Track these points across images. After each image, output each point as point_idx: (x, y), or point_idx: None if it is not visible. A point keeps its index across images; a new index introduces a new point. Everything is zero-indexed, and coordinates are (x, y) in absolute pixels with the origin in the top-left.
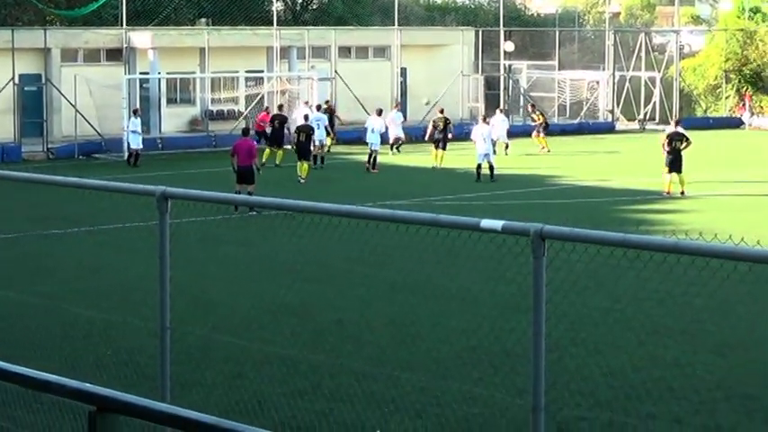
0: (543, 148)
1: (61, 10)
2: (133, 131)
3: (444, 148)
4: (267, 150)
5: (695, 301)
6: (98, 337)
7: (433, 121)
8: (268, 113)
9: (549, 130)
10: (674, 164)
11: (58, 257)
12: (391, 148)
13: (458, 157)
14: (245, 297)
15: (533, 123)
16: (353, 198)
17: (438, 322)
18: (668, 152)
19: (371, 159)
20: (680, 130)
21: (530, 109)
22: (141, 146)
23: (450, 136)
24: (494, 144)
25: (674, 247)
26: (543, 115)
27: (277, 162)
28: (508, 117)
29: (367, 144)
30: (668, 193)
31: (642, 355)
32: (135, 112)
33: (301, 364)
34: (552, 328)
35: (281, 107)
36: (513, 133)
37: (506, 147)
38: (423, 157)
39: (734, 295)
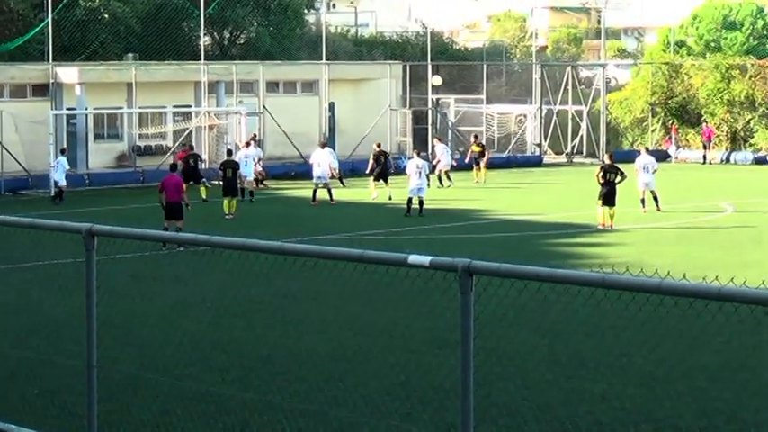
0: (477, 181)
1: None
2: (59, 168)
3: (386, 181)
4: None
5: (622, 335)
6: (24, 375)
7: (374, 155)
8: (185, 152)
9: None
10: (608, 197)
11: None
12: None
13: (385, 192)
14: (173, 333)
15: (474, 156)
16: (283, 233)
17: (366, 358)
18: (602, 185)
19: (329, 192)
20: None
21: (472, 140)
22: (65, 183)
23: (390, 168)
24: (428, 178)
25: (600, 282)
26: (484, 147)
27: (204, 197)
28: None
29: (312, 179)
30: (603, 225)
31: (570, 389)
32: (62, 151)
33: (230, 401)
34: (481, 363)
35: (191, 147)
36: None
37: (449, 177)
38: (352, 191)
39: (660, 328)
